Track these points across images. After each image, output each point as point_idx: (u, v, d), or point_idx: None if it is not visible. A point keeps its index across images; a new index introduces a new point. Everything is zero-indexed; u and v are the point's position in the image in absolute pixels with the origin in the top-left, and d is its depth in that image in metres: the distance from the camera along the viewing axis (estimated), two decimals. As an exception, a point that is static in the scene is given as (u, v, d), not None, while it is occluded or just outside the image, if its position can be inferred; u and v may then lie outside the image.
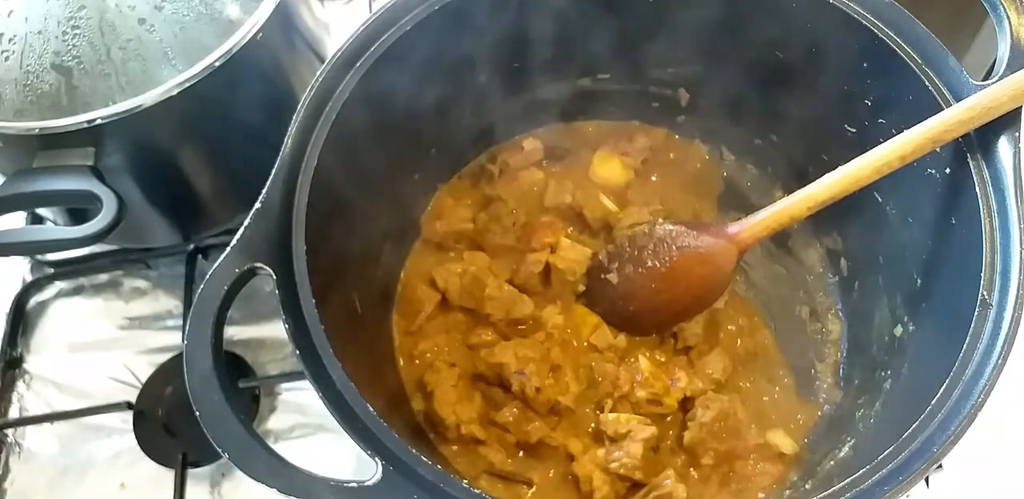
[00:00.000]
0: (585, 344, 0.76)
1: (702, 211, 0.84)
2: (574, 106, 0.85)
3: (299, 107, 0.60)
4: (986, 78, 0.58)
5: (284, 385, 0.82)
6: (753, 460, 0.70)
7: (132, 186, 0.72)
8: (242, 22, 0.69)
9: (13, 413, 0.84)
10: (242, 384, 0.80)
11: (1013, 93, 0.56)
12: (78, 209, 0.73)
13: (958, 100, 0.59)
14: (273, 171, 0.58)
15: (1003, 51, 0.59)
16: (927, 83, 0.61)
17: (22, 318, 0.89)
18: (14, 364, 0.86)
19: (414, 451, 0.50)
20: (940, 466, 0.71)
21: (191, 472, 0.78)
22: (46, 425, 0.83)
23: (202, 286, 0.54)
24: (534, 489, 0.70)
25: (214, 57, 0.67)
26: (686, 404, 0.72)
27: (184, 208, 0.83)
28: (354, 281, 0.70)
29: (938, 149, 0.59)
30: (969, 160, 0.59)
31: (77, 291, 0.91)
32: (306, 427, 0.80)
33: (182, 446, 0.79)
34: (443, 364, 0.74)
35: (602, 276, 0.76)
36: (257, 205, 0.56)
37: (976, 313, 0.54)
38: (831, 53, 0.68)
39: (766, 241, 0.74)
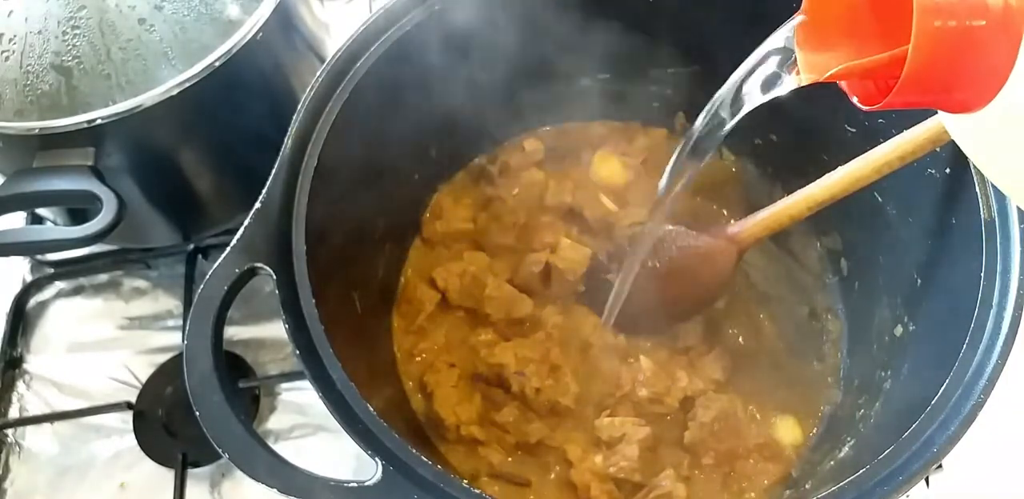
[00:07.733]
0: (585, 344, 0.76)
1: (702, 211, 0.84)
2: (574, 106, 0.85)
3: (299, 107, 0.60)
4: (986, 78, 0.58)
5: (284, 385, 0.82)
6: (754, 460, 0.70)
7: (132, 186, 0.72)
8: (242, 22, 0.69)
9: (13, 413, 0.84)
10: (242, 384, 0.80)
11: (1013, 93, 0.56)
12: (78, 209, 0.72)
13: (958, 100, 0.59)
14: (273, 171, 0.58)
15: (1003, 51, 0.59)
16: (927, 83, 0.61)
17: (22, 318, 0.89)
18: (14, 364, 0.86)
19: (414, 451, 0.50)
20: (940, 466, 0.71)
21: (191, 472, 0.78)
22: (46, 425, 0.83)
23: (202, 286, 0.54)
24: (533, 490, 0.70)
25: (214, 57, 0.67)
26: (686, 404, 0.72)
27: (184, 208, 0.83)
28: (354, 281, 0.70)
29: (938, 149, 0.59)
30: (969, 160, 0.59)
31: (77, 291, 0.91)
32: (306, 427, 0.80)
33: (182, 446, 0.79)
34: (443, 364, 0.74)
35: (602, 276, 0.76)
36: (257, 205, 0.56)
37: (976, 313, 0.54)
38: (831, 53, 0.68)
39: (766, 241, 0.74)
